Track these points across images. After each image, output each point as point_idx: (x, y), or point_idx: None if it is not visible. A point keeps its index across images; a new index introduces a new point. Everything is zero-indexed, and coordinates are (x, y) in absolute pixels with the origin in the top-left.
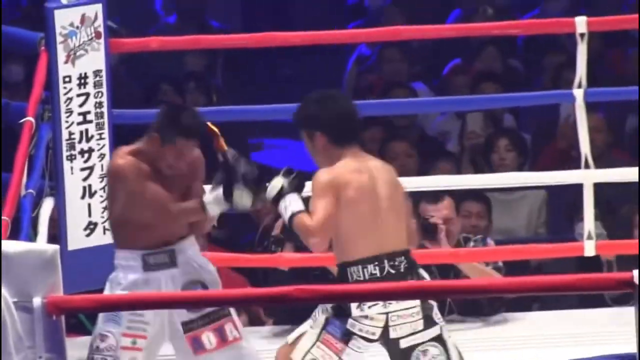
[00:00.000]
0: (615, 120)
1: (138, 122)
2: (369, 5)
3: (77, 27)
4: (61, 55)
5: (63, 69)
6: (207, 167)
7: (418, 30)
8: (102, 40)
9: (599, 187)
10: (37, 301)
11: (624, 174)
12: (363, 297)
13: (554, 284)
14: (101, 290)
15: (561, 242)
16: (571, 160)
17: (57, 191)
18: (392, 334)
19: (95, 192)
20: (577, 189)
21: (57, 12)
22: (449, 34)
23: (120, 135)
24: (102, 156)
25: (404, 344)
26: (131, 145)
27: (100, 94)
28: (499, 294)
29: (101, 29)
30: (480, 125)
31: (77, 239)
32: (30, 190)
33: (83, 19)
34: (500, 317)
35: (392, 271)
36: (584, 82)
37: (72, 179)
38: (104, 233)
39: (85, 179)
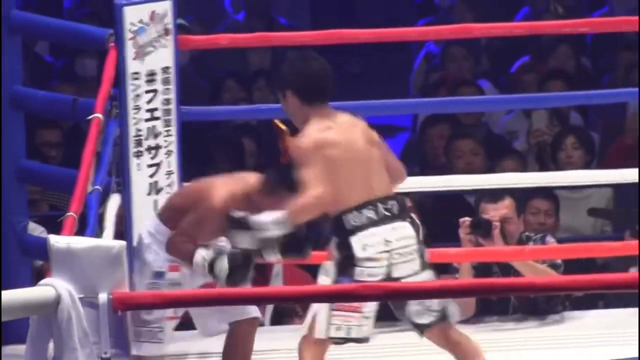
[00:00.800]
0: None
1: (205, 119)
2: (438, 2)
3: (147, 24)
4: (130, 52)
5: (132, 66)
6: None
7: (487, 27)
8: (170, 37)
9: None
10: (102, 297)
11: None
12: (425, 294)
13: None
14: None
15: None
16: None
17: (124, 188)
18: (395, 273)
19: (162, 188)
20: None
21: (126, 9)
22: (518, 31)
23: (187, 132)
24: (169, 153)
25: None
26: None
27: (168, 91)
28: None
29: (170, 26)
30: (545, 122)
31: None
32: (97, 187)
33: (152, 15)
34: (558, 317)
35: (387, 213)
36: None
37: (139, 176)
38: None
39: (152, 176)
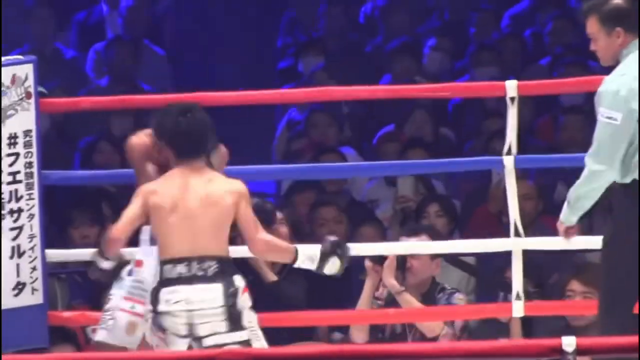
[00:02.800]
0: (546, 188)
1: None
2: (301, 69)
3: (8, 87)
4: None
5: None
6: None
7: (349, 91)
8: (32, 100)
9: (528, 254)
10: None
11: (553, 242)
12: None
13: (485, 349)
14: (29, 351)
15: None
16: (501, 226)
17: None
18: (198, 332)
19: (24, 252)
20: (507, 255)
21: None
22: (379, 95)
23: (49, 196)
24: (31, 216)
25: (207, 342)
26: None
27: (30, 154)
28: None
29: (32, 89)
30: (411, 189)
31: (5, 299)
32: None
33: (14, 79)
34: None
35: (200, 273)
36: (514, 149)
37: (1, 239)
38: (32, 293)
39: (14, 239)
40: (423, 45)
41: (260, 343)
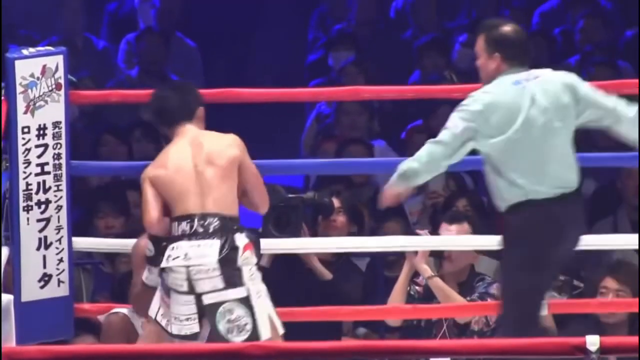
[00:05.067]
0: None
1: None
2: (331, 64)
3: (38, 78)
4: (21, 106)
5: (22, 120)
6: None
7: (377, 90)
8: (62, 92)
9: None
10: None
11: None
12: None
13: (509, 346)
14: (54, 343)
15: None
16: None
17: (13, 242)
18: (197, 289)
19: (51, 243)
20: None
21: (17, 63)
22: (408, 95)
23: (77, 187)
24: (59, 208)
25: (206, 299)
26: None
27: (59, 146)
28: (452, 355)
29: (62, 81)
30: (441, 185)
31: (31, 291)
32: None
33: (44, 70)
34: None
35: (200, 230)
36: None
37: (28, 230)
38: (59, 285)
39: (41, 230)
40: (453, 41)
41: (261, 302)
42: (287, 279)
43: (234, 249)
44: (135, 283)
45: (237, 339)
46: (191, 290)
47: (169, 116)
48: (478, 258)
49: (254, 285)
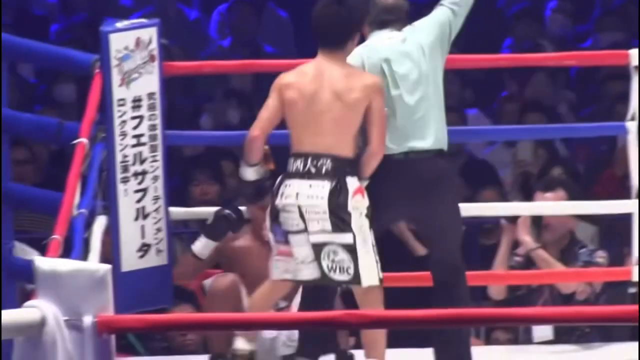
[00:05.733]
0: None
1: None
2: None
3: (132, 51)
4: (116, 78)
5: (117, 92)
6: None
7: (471, 59)
8: (156, 64)
9: None
10: (87, 320)
11: None
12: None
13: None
14: (152, 312)
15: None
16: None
17: (111, 213)
18: (309, 227)
19: (149, 213)
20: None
21: (112, 36)
22: (502, 63)
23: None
24: (155, 178)
25: (313, 239)
26: None
27: (154, 117)
28: (528, 323)
29: (155, 52)
30: (530, 153)
31: (130, 261)
32: (83, 210)
33: (138, 42)
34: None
35: (313, 170)
36: (637, 115)
37: (126, 201)
38: (157, 254)
39: (139, 201)
40: (545, 9)
41: (367, 249)
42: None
43: (345, 192)
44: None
45: (339, 278)
46: (305, 229)
47: (333, 36)
48: (577, 224)
49: (361, 232)
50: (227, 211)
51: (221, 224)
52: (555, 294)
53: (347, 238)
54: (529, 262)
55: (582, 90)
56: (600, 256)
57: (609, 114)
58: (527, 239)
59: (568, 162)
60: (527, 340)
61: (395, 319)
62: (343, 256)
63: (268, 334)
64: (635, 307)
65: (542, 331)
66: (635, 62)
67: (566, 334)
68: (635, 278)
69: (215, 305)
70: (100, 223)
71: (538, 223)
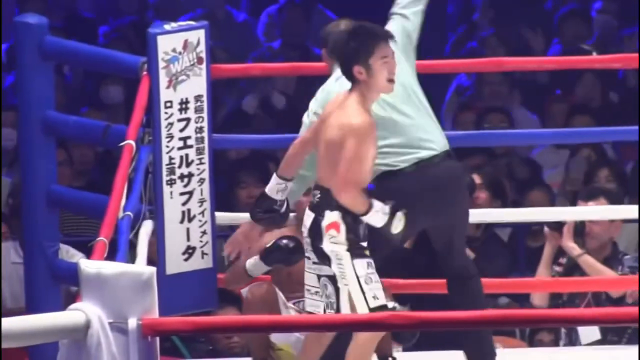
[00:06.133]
0: None
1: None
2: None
3: (180, 53)
4: (163, 81)
5: (165, 94)
6: None
7: (519, 62)
8: (203, 66)
9: None
10: (132, 322)
11: None
12: (455, 324)
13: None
14: (197, 315)
15: None
16: None
17: (157, 215)
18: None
19: (194, 216)
20: None
21: (159, 38)
22: (548, 66)
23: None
24: (201, 181)
25: (306, 265)
26: None
27: (201, 119)
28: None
29: (203, 55)
30: (582, 172)
31: (175, 263)
32: (128, 213)
33: (185, 44)
34: None
35: (313, 200)
36: None
37: (172, 203)
38: (202, 257)
39: (184, 204)
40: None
41: (346, 285)
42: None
43: (319, 225)
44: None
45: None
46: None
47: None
48: (619, 231)
49: (339, 266)
50: (284, 241)
51: (277, 254)
52: (599, 299)
53: (328, 270)
54: (568, 273)
55: (629, 91)
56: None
57: None
58: (573, 245)
59: (615, 164)
60: (573, 342)
61: (440, 320)
62: (330, 289)
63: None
64: (635, 308)
65: (589, 332)
66: None
67: (616, 334)
68: None
69: (251, 313)
70: (146, 226)
71: (581, 232)
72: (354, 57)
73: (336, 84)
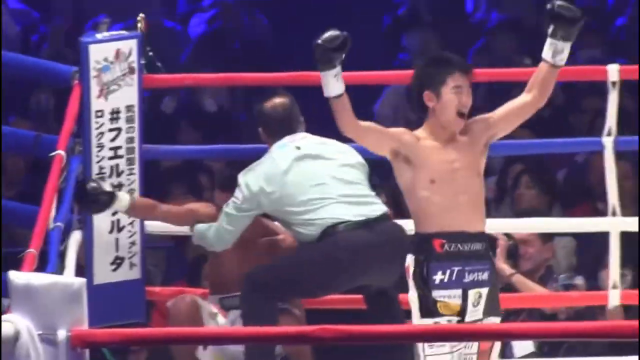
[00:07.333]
0: None
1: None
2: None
3: (111, 62)
4: (94, 90)
5: (96, 104)
6: None
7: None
8: (135, 76)
9: (627, 236)
10: (61, 334)
11: None
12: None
13: (580, 330)
14: (125, 325)
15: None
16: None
17: (85, 225)
18: None
19: (124, 227)
20: (605, 237)
21: (91, 47)
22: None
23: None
24: (131, 191)
25: None
26: None
27: (131, 129)
28: (521, 338)
29: (135, 65)
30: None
31: (103, 273)
32: (59, 224)
33: (117, 54)
34: None
35: None
36: (614, 130)
37: (101, 214)
38: (130, 268)
39: (114, 214)
40: None
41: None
42: None
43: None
44: None
45: None
46: None
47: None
48: (553, 252)
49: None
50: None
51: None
52: (534, 316)
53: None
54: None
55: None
56: (579, 279)
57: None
58: (504, 266)
59: (536, 170)
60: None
61: (369, 334)
62: None
63: (234, 347)
64: (636, 322)
65: (524, 345)
66: (613, 78)
67: (552, 346)
68: (613, 302)
69: (176, 326)
70: (76, 236)
71: (514, 253)
72: (425, 81)
73: (279, 150)
